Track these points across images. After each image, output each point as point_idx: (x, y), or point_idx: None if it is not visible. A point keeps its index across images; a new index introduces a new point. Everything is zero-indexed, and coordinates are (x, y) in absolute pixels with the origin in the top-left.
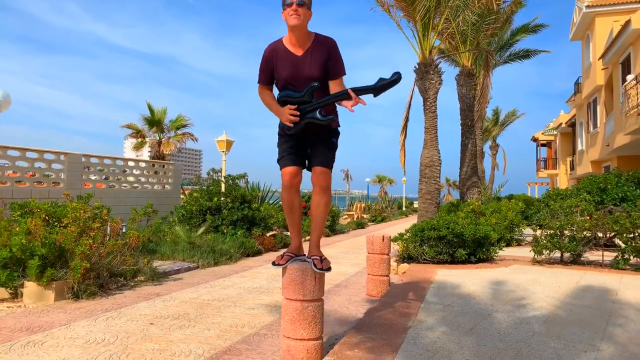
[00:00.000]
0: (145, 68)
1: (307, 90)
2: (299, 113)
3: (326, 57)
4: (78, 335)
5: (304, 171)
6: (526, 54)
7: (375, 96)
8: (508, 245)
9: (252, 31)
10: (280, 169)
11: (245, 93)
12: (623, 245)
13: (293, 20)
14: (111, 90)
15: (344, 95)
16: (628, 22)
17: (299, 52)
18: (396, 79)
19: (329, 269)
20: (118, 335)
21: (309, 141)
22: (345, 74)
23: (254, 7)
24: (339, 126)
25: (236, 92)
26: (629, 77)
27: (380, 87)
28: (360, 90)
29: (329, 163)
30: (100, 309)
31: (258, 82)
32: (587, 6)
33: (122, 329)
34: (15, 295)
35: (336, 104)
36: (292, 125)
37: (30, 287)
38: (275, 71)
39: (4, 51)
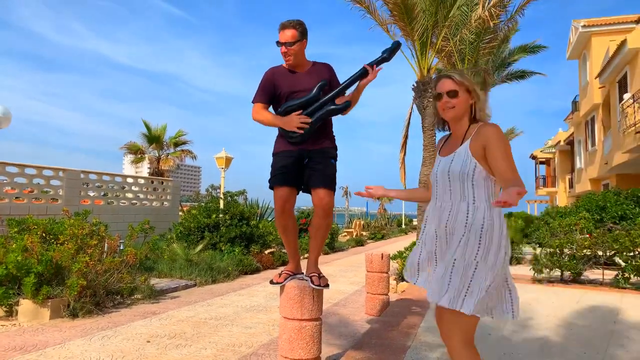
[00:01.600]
0: (146, 86)
1: (318, 87)
2: (309, 119)
3: (328, 76)
4: (73, 355)
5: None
6: (522, 75)
7: (388, 61)
8: None
9: (252, 50)
10: (272, 189)
11: (246, 110)
12: (623, 264)
13: (287, 61)
14: (113, 108)
15: (361, 75)
16: (624, 42)
17: (300, 71)
18: (398, 45)
19: (326, 285)
20: (113, 354)
21: (307, 162)
22: (345, 94)
23: (254, 26)
24: (336, 147)
25: (236, 109)
26: (626, 96)
27: (390, 55)
28: (376, 64)
29: (331, 185)
30: (96, 328)
31: (253, 102)
32: (584, 26)
33: (117, 348)
34: (10, 313)
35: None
36: (302, 131)
37: (25, 305)
38: (277, 88)
39: (6, 68)
